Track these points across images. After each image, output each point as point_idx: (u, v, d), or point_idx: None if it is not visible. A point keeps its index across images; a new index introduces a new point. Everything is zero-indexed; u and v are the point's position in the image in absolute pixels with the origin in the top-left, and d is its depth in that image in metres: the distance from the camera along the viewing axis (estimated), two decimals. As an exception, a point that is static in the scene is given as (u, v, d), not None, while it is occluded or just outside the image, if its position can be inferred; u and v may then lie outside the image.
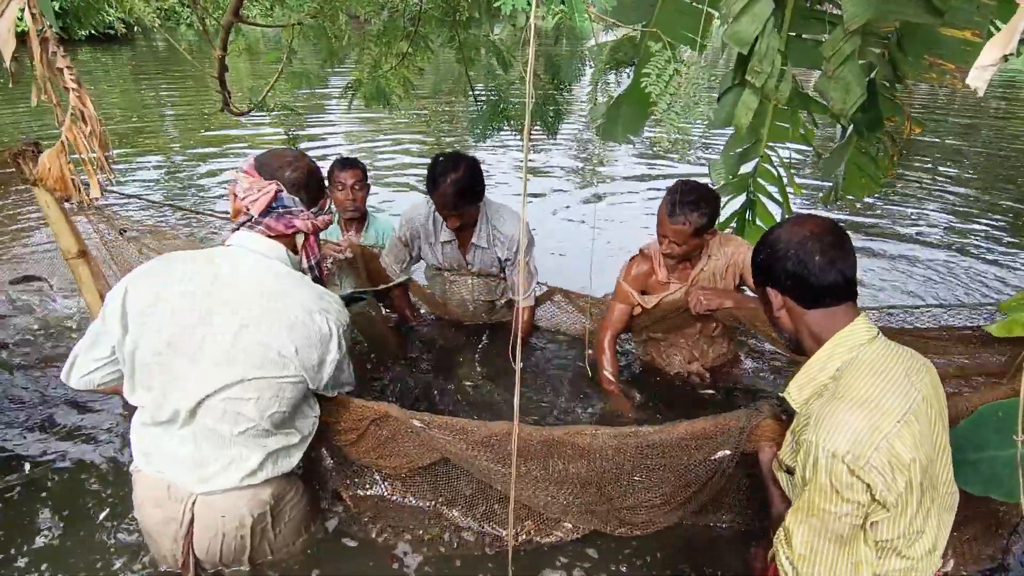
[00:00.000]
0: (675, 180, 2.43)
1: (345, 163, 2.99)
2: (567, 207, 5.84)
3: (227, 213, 1.85)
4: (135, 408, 1.60)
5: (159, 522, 1.61)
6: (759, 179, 3.10)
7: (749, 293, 2.53)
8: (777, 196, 3.09)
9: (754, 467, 1.82)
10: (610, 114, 3.39)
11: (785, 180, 3.07)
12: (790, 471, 1.39)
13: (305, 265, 1.67)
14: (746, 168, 3.12)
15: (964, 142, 9.07)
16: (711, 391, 2.67)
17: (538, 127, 3.12)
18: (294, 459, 1.67)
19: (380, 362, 2.78)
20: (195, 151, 7.51)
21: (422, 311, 3.25)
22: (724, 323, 2.47)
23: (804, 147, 7.45)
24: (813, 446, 1.22)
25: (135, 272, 1.58)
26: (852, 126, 2.83)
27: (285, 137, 3.20)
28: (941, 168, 7.44)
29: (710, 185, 3.17)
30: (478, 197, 2.54)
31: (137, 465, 1.62)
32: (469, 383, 2.73)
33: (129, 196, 3.83)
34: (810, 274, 1.31)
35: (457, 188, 2.41)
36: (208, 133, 8.44)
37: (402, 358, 2.87)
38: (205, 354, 1.50)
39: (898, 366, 1.29)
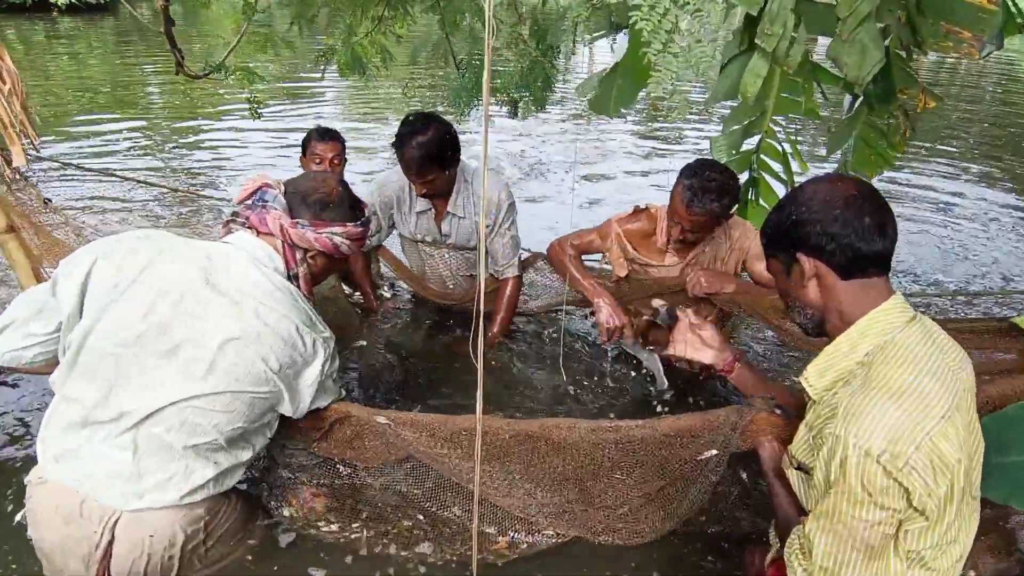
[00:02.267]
0: (695, 160, 2.20)
1: (324, 134, 2.76)
2: (553, 180, 5.62)
3: (185, 189, 1.72)
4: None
5: (65, 541, 1.39)
6: (763, 156, 2.90)
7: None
8: (783, 175, 2.90)
9: (744, 467, 1.65)
10: (603, 86, 3.18)
11: (791, 157, 2.88)
12: (804, 469, 1.22)
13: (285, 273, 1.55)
14: (749, 144, 2.93)
15: (969, 116, 8.88)
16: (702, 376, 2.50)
17: (527, 97, 2.89)
18: (237, 476, 1.53)
19: (344, 347, 2.56)
20: (182, 124, 7.19)
21: (394, 287, 3.03)
22: (722, 309, 2.28)
23: (810, 122, 7.28)
24: (840, 442, 1.05)
25: (106, 243, 1.41)
26: (862, 98, 2.62)
27: (248, 105, 2.96)
28: (941, 147, 7.24)
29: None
30: (448, 164, 2.30)
31: (41, 473, 1.40)
32: (441, 370, 2.53)
33: (65, 164, 3.54)
34: (858, 237, 1.13)
35: (423, 152, 2.19)
36: (199, 108, 8.13)
37: (369, 342, 2.65)
38: (180, 359, 1.35)
39: (938, 353, 1.12)
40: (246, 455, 1.49)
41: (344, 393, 1.68)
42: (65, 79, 9.44)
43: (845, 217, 1.13)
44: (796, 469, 1.24)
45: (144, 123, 7.16)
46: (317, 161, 2.72)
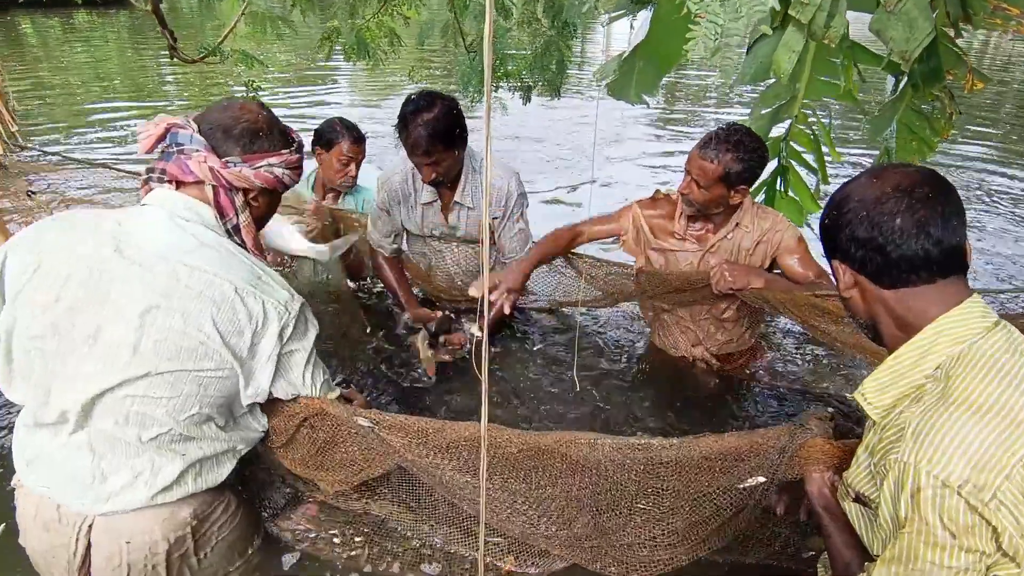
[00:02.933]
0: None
1: (354, 135, 2.65)
2: (571, 173, 5.43)
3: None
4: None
5: (49, 549, 1.31)
6: (792, 143, 2.71)
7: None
8: (813, 163, 2.70)
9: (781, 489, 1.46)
10: (623, 69, 3.00)
11: (823, 144, 2.68)
12: (863, 502, 1.05)
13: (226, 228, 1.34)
14: (779, 130, 2.74)
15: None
16: (723, 382, 2.32)
17: (539, 82, 2.72)
18: (224, 470, 1.37)
19: (343, 345, 2.41)
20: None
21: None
22: (750, 305, 2.10)
23: (842, 108, 6.99)
24: (910, 471, 0.88)
25: (23, 232, 1.28)
26: (906, 79, 2.42)
27: (245, 90, 2.82)
28: (973, 127, 6.92)
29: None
30: (457, 143, 2.14)
31: (18, 477, 1.31)
32: (447, 375, 2.35)
33: (47, 154, 3.42)
34: (887, 241, 0.98)
35: (430, 130, 2.02)
36: (211, 97, 8.04)
37: (368, 339, 2.48)
38: (101, 342, 1.19)
39: None
40: (221, 446, 1.34)
41: (338, 390, 1.48)
42: (80, 72, 9.42)
43: (873, 218, 0.99)
44: (854, 501, 1.06)
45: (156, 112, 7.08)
46: (344, 162, 2.64)
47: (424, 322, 2.40)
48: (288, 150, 1.35)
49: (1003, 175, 5.62)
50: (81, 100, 7.64)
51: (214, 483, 1.35)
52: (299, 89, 8.56)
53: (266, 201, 1.39)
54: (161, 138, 1.27)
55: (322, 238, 2.45)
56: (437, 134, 2.03)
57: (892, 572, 0.93)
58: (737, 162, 1.91)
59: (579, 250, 2.38)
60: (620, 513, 1.37)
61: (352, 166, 2.67)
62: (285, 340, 1.30)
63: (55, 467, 1.25)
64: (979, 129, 7.22)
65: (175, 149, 1.26)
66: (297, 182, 1.42)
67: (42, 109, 7.15)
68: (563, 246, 2.29)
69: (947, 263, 0.98)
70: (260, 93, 2.84)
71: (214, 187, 1.28)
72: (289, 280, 1.43)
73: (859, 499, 1.05)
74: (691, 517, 1.34)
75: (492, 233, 2.39)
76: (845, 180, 1.09)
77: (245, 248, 1.34)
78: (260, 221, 1.41)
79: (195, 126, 1.28)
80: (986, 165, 5.92)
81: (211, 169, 1.27)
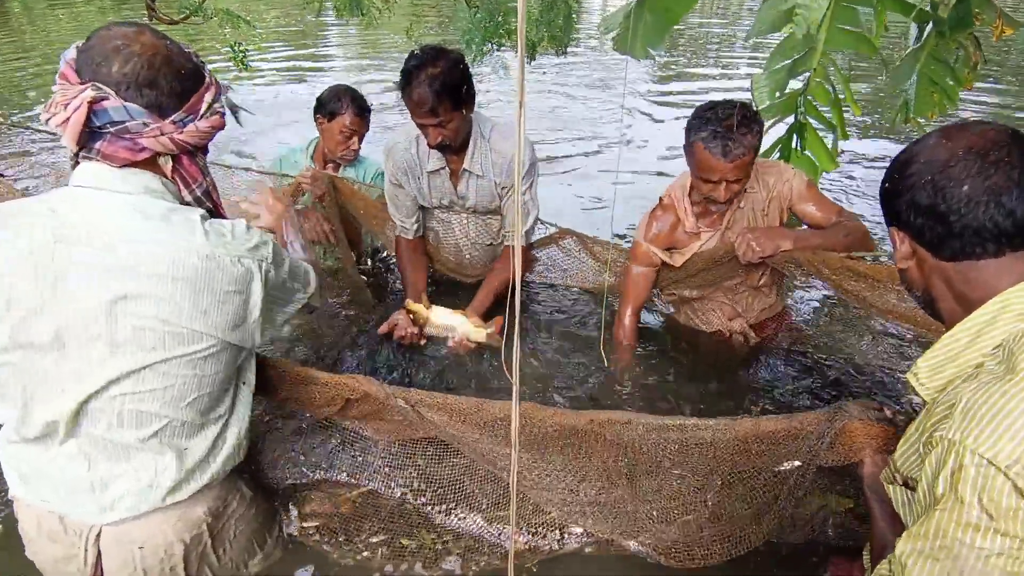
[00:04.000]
0: (692, 112, 1.91)
1: (358, 106, 2.52)
2: (586, 143, 5.27)
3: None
4: None
5: (57, 560, 1.26)
6: (810, 98, 2.59)
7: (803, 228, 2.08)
8: (832, 120, 2.59)
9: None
10: (628, 22, 2.86)
11: (842, 98, 2.57)
12: (910, 486, 0.99)
13: (188, 198, 1.19)
14: (795, 84, 2.61)
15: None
16: (757, 353, 2.25)
17: (544, 38, 2.59)
18: (230, 451, 1.29)
19: (356, 328, 2.33)
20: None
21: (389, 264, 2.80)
22: (780, 270, 2.03)
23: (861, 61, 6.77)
24: (955, 448, 0.83)
25: None
26: (932, 26, 2.30)
27: (234, 56, 2.68)
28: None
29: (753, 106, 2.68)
30: (464, 102, 2.01)
31: (14, 492, 1.24)
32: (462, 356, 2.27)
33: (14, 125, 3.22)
34: (950, 210, 0.91)
35: (436, 87, 1.90)
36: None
37: (376, 320, 2.37)
38: (71, 344, 1.08)
39: None
40: (228, 424, 1.27)
41: (312, 285, 1.38)
42: (65, 41, 9.13)
43: (938, 183, 0.92)
44: (901, 486, 1.01)
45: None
46: (347, 135, 2.54)
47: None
48: (207, 75, 1.16)
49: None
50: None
51: (226, 471, 1.29)
52: (290, 50, 8.30)
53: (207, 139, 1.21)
54: (87, 121, 1.04)
55: (323, 207, 2.36)
56: (444, 90, 1.91)
57: (918, 548, 0.87)
58: (756, 136, 1.82)
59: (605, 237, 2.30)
60: (656, 478, 1.37)
61: (355, 139, 2.58)
62: (273, 281, 1.22)
63: (51, 481, 1.18)
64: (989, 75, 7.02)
65: (110, 129, 1.06)
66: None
67: (27, 81, 6.94)
68: (635, 322, 2.22)
69: (1021, 236, 0.90)
70: (248, 55, 2.70)
71: (175, 155, 1.14)
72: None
73: (907, 484, 0.99)
74: (724, 494, 1.33)
75: (499, 200, 2.30)
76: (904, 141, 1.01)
77: (213, 212, 1.21)
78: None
79: (111, 91, 1.04)
80: (1002, 111, 5.77)
81: (171, 139, 1.09)
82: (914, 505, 0.94)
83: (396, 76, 2.03)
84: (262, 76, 6.98)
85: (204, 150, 1.21)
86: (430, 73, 1.90)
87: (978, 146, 0.91)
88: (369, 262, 2.86)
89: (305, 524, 1.55)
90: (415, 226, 2.39)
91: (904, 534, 0.91)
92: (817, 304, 2.64)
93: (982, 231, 0.91)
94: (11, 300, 1.06)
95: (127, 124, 1.06)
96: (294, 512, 1.56)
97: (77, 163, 1.11)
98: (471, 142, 2.15)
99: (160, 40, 1.10)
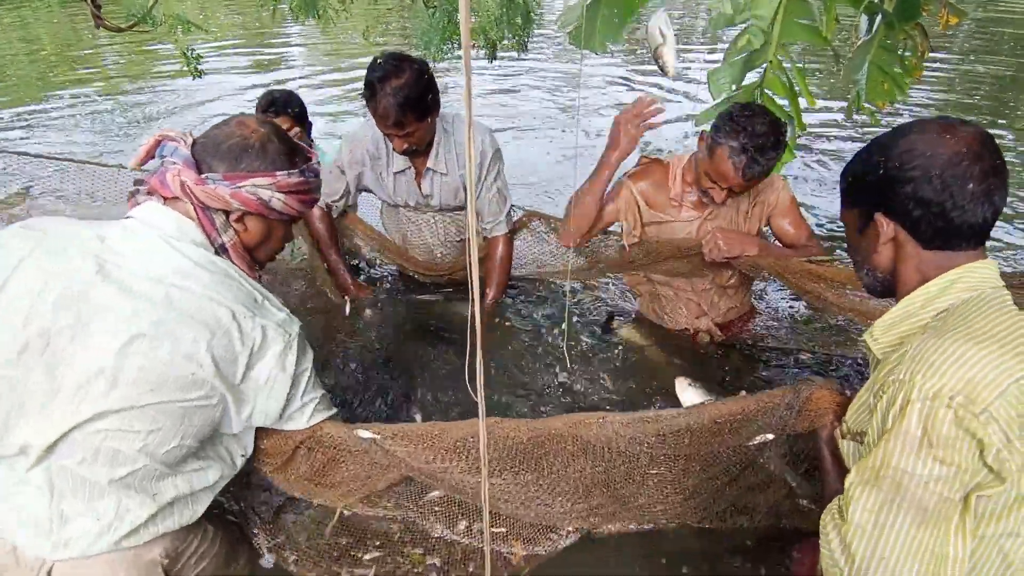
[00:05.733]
0: (726, 110, 1.85)
1: (272, 103, 2.40)
2: (545, 137, 5.30)
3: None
4: None
5: None
6: (767, 90, 2.64)
7: (776, 242, 2.11)
8: (789, 111, 2.65)
9: (790, 463, 1.47)
10: (586, 16, 2.87)
11: (798, 90, 2.62)
12: (858, 439, 1.06)
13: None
14: (752, 77, 2.66)
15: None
16: (721, 350, 2.28)
17: (505, 38, 2.58)
18: (200, 507, 1.26)
19: (324, 338, 2.28)
20: (138, 96, 6.68)
21: (370, 265, 2.74)
22: (744, 272, 2.06)
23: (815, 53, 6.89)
24: (904, 386, 0.89)
25: None
26: (881, 17, 2.36)
27: (184, 60, 2.60)
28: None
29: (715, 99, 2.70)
30: (429, 111, 2.00)
31: None
32: (433, 361, 2.24)
33: None
34: (955, 206, 0.96)
35: (401, 98, 1.88)
36: (159, 68, 7.56)
37: (348, 332, 2.33)
38: (75, 371, 1.07)
39: None
40: (206, 478, 1.23)
41: (335, 410, 1.37)
42: (10, 44, 8.78)
43: (944, 180, 0.95)
44: (851, 440, 1.08)
45: (93, 90, 6.65)
46: None
47: (347, 294, 2.31)
48: (284, 172, 1.21)
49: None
50: (9, 73, 7.14)
51: (188, 522, 1.24)
52: (249, 55, 8.12)
53: (258, 227, 1.25)
54: (153, 150, 1.20)
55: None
56: (408, 103, 1.90)
57: (864, 478, 0.93)
58: (777, 159, 1.81)
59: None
60: (634, 480, 1.37)
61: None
62: (288, 366, 1.21)
63: (9, 506, 1.14)
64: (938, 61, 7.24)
65: (160, 160, 1.19)
66: (300, 210, 1.27)
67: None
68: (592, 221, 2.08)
69: (987, 234, 0.99)
70: (200, 62, 2.62)
71: (193, 204, 1.18)
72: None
73: (856, 437, 1.06)
74: (703, 476, 1.37)
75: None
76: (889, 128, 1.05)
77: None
78: (256, 250, 1.28)
79: (188, 140, 1.20)
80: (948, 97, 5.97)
81: (183, 184, 1.15)
82: (862, 450, 1.01)
83: (350, 75, 1.99)
84: (218, 77, 6.82)
85: (241, 215, 1.23)
86: (394, 85, 1.88)
87: (976, 146, 0.96)
88: (363, 266, 2.79)
89: (284, 553, 1.49)
90: (337, 204, 2.35)
91: (852, 470, 0.96)
92: (784, 304, 2.69)
93: (975, 227, 0.97)
94: (29, 320, 1.07)
95: (166, 159, 1.18)
96: (268, 543, 1.49)
97: (136, 202, 1.21)
98: (435, 142, 2.14)
99: (259, 126, 1.22)
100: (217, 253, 1.21)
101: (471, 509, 1.47)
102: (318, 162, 1.30)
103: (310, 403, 1.29)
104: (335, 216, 2.38)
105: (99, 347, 1.07)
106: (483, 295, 2.35)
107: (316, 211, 2.32)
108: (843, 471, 1.09)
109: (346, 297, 2.35)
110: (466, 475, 1.29)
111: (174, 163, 1.16)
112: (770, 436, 1.31)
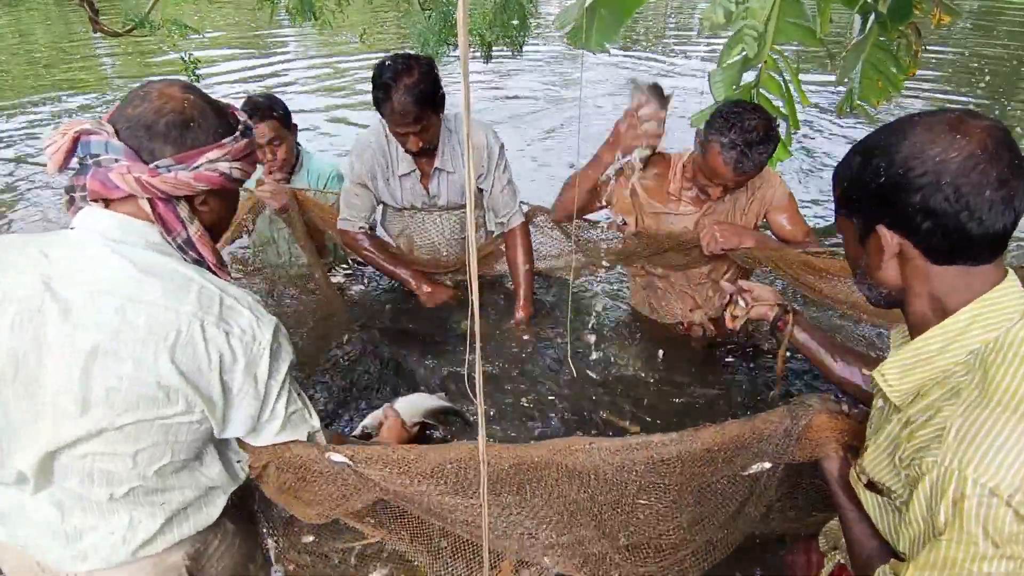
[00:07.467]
0: (717, 108, 1.89)
1: (255, 108, 2.33)
2: (543, 137, 5.30)
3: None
4: None
5: None
6: (763, 90, 2.66)
7: (771, 235, 2.12)
8: (784, 110, 2.67)
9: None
10: (583, 17, 2.89)
11: (792, 90, 2.64)
12: (878, 491, 0.99)
13: (172, 244, 1.12)
14: (748, 78, 2.68)
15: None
16: (714, 346, 2.29)
17: (502, 42, 2.59)
18: (215, 510, 1.25)
19: (326, 342, 2.29)
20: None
21: (354, 267, 2.72)
22: (740, 265, 2.07)
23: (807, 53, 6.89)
24: (953, 478, 0.81)
25: None
26: (874, 17, 2.38)
27: (184, 67, 2.60)
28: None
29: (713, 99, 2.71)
30: (440, 106, 2.02)
31: None
32: (431, 361, 2.21)
33: None
34: (972, 217, 0.82)
35: (416, 95, 1.89)
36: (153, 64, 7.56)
37: (353, 333, 2.32)
38: (49, 393, 1.03)
39: None
40: (207, 484, 1.22)
41: (315, 424, 1.26)
42: (8, 48, 8.78)
43: (959, 187, 0.81)
44: (867, 488, 1.01)
45: (92, 97, 6.66)
46: (270, 144, 2.38)
47: (438, 303, 2.32)
48: (231, 138, 1.11)
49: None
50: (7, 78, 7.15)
51: (204, 525, 1.23)
52: (245, 58, 8.11)
53: (218, 204, 1.16)
54: (72, 150, 1.04)
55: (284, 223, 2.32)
56: (424, 96, 1.91)
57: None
58: (769, 153, 1.83)
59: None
60: (623, 510, 1.30)
61: (283, 148, 2.41)
62: (260, 373, 1.12)
63: (28, 524, 1.15)
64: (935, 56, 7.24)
65: (90, 161, 1.04)
66: (252, 173, 1.18)
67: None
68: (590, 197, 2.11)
69: (1007, 242, 0.86)
70: (198, 67, 2.62)
71: (150, 200, 1.07)
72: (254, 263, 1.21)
73: (872, 486, 1.00)
74: (696, 511, 1.30)
75: (480, 194, 2.30)
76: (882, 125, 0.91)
77: (202, 263, 1.15)
78: (217, 227, 1.20)
79: (110, 128, 1.05)
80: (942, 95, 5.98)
81: (137, 180, 1.04)
82: (904, 525, 0.93)
83: (347, 78, 2.00)
84: (216, 79, 6.83)
85: (204, 196, 1.13)
86: (407, 83, 1.89)
87: (990, 145, 0.82)
88: (343, 269, 2.80)
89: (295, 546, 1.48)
90: (367, 223, 2.36)
91: (912, 563, 0.91)
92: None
93: (994, 238, 0.84)
94: None
95: (100, 157, 1.04)
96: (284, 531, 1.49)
97: (77, 208, 1.09)
98: (440, 142, 2.16)
99: (184, 93, 1.09)
100: (181, 249, 1.12)
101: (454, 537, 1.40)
102: (247, 122, 1.18)
103: (278, 418, 1.18)
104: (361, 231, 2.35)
105: (61, 370, 1.02)
106: (513, 307, 2.34)
107: (359, 236, 2.32)
108: (866, 521, 1.05)
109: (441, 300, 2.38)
110: (446, 497, 1.23)
111: (116, 160, 1.04)
112: (767, 465, 1.24)
